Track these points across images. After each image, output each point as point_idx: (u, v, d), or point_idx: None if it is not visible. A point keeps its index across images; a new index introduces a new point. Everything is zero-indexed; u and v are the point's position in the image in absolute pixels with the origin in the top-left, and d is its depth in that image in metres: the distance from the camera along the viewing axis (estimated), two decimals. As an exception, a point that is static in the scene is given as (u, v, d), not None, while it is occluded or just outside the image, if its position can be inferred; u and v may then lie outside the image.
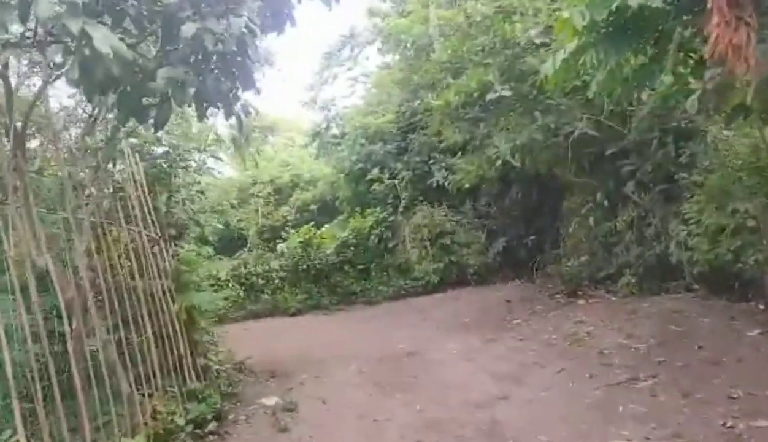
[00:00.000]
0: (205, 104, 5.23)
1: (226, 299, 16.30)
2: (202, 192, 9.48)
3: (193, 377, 7.51)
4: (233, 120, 5.47)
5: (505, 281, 16.03)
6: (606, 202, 11.67)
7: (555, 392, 7.18)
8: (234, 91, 5.41)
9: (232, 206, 36.82)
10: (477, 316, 12.25)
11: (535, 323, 10.73)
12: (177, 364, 7.29)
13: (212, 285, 16.68)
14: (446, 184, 16.56)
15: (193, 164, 8.91)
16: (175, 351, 7.22)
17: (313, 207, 34.41)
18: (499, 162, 10.47)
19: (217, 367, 8.82)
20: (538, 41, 9.98)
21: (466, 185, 13.40)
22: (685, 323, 8.66)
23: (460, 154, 13.31)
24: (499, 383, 7.77)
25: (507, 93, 10.35)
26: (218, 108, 5.46)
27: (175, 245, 8.04)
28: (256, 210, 25.25)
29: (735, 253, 8.34)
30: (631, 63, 7.07)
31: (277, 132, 44.41)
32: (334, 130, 25.80)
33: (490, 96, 10.47)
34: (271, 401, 8.21)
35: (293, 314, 15.84)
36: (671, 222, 10.09)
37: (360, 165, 18.32)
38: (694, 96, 7.04)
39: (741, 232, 8.28)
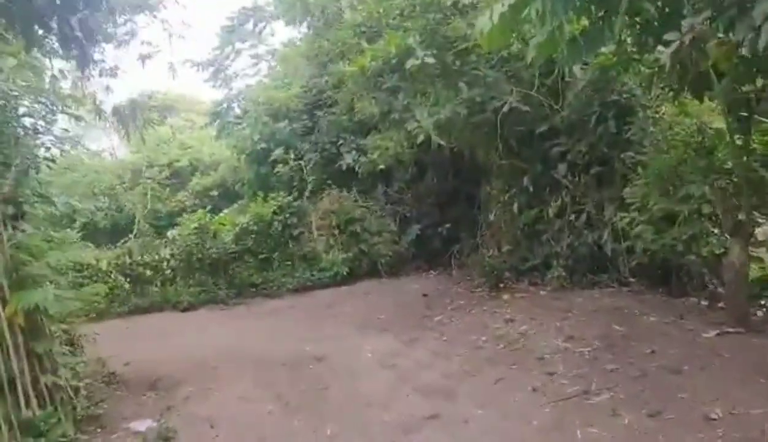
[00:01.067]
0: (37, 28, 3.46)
1: (110, 291, 14.18)
2: (53, 160, 7.46)
3: (32, 403, 5.62)
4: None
5: (419, 272, 14.74)
6: (531, 187, 10.52)
7: (494, 409, 5.84)
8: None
9: (125, 190, 34.03)
10: (393, 312, 10.84)
11: (458, 321, 9.43)
12: (8, 387, 5.39)
13: (88, 278, 14.48)
14: (356, 167, 15.08)
15: (42, 125, 6.92)
16: (3, 372, 5.31)
17: (213, 193, 32.13)
18: (420, 138, 9.05)
19: (76, 383, 6.92)
20: (466, 1, 8.61)
21: (381, 167, 11.94)
22: (628, 322, 7.60)
23: (373, 133, 11.78)
24: (426, 397, 6.35)
25: (430, 60, 8.93)
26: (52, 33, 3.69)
27: (14, 228, 6.07)
28: (145, 193, 22.70)
29: (686, 243, 7.30)
30: (574, 25, 5.93)
31: (177, 112, 41.33)
32: (237, 110, 23.74)
33: (410, 63, 9.01)
34: (142, 425, 6.48)
35: (186, 309, 13.91)
36: (607, 209, 9.04)
37: (263, 145, 16.46)
38: (646, 68, 5.94)
39: (694, 219, 7.23)
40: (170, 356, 9.58)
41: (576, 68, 9.10)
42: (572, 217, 9.74)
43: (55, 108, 6.91)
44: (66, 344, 8.36)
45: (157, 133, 37.81)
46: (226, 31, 23.78)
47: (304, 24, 15.73)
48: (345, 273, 14.61)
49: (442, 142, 9.02)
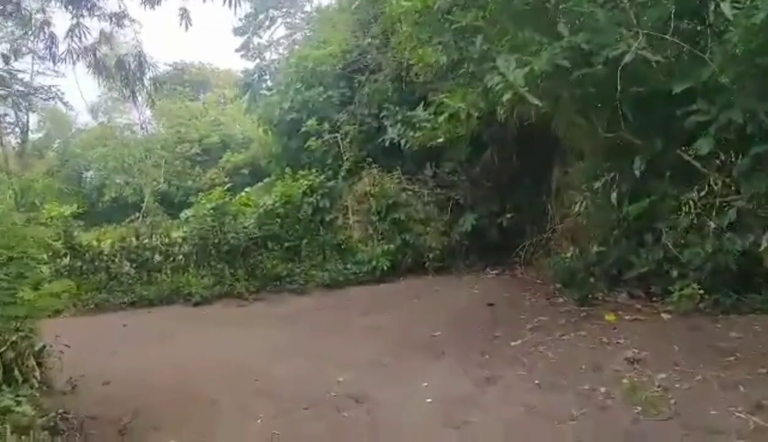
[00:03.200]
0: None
1: (111, 278, 11.70)
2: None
3: None
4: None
5: (474, 271, 11.92)
6: (642, 170, 7.55)
7: None
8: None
9: (155, 165, 31.77)
10: (451, 327, 8.06)
11: (547, 350, 6.59)
12: None
13: (89, 262, 11.99)
14: (402, 142, 12.24)
15: None
16: None
17: (244, 171, 29.80)
18: (506, 96, 6.19)
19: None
20: None
21: (440, 139, 9.03)
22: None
23: (435, 95, 8.87)
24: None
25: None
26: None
27: None
28: (156, 165, 20.18)
29: None
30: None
31: (210, 87, 38.88)
32: (269, 82, 21.09)
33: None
34: None
35: (198, 303, 11.42)
36: (772, 203, 6.08)
37: (293, 114, 13.67)
38: None
39: None
40: (161, 376, 7.07)
41: (726, 6, 6.17)
42: (712, 213, 6.77)
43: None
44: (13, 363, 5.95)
45: (188, 108, 35.70)
46: (259, -5, 21.07)
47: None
48: (385, 268, 11.91)
49: (536, 102, 6.16)
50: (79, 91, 15.12)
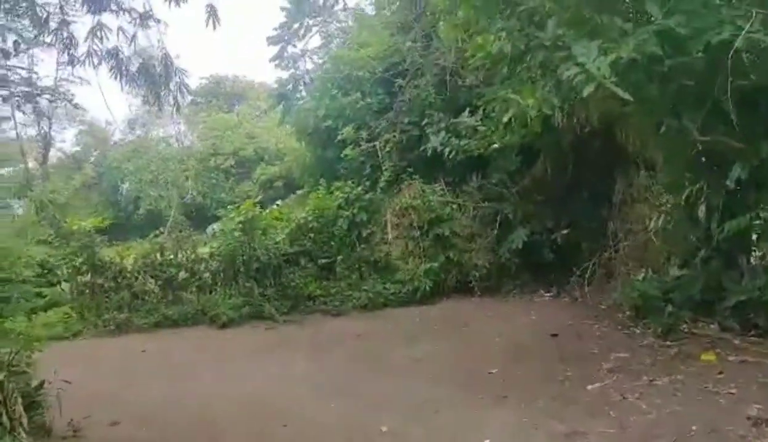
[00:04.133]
0: None
1: (134, 298, 10.71)
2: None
3: None
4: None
5: (526, 292, 10.67)
6: (740, 180, 6.24)
7: None
8: None
9: (188, 178, 31.21)
10: (509, 362, 6.82)
11: (641, 399, 5.30)
12: None
13: (112, 279, 11.06)
14: (446, 152, 11.08)
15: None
16: None
17: (278, 183, 29.18)
18: (588, 90, 4.99)
19: None
20: None
21: (495, 146, 7.84)
22: None
23: (485, 97, 7.65)
24: None
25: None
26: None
27: None
28: (185, 173, 19.34)
29: None
30: None
31: (245, 100, 38.35)
32: (303, 92, 20.11)
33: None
34: None
35: (224, 325, 10.32)
36: None
37: (328, 122, 12.63)
38: None
39: None
40: (178, 416, 6.17)
41: None
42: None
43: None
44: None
45: (223, 120, 35.19)
46: (294, 3, 20.11)
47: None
48: (427, 289, 10.70)
49: (627, 96, 4.95)
50: (103, 99, 14.31)
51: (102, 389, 6.95)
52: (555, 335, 7.55)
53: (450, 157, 11.12)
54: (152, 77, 10.41)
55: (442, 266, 10.90)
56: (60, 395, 5.40)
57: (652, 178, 9.13)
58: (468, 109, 11.21)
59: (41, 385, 5.53)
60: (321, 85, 13.89)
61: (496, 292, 10.80)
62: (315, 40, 21.19)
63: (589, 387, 5.75)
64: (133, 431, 5.80)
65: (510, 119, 6.14)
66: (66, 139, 35.90)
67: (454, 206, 11.39)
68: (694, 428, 4.52)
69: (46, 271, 10.90)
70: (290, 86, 20.92)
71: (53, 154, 36.25)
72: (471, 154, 10.81)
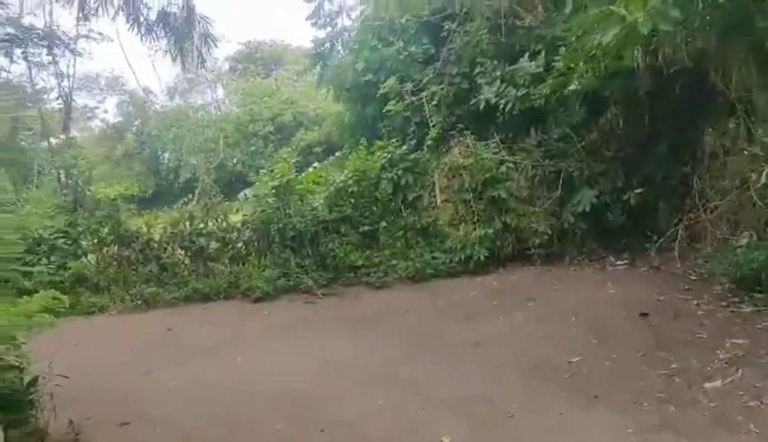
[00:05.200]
0: None
1: (161, 270, 9.72)
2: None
3: None
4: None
5: (593, 260, 9.29)
6: None
7: None
8: None
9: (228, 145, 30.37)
10: (593, 348, 5.55)
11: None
12: None
13: (139, 251, 10.13)
14: (502, 104, 9.68)
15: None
16: None
17: (317, 149, 28.01)
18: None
19: None
20: None
21: (572, 87, 6.41)
22: None
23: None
24: None
25: None
26: None
27: None
28: (225, 140, 18.26)
29: None
30: None
31: (282, 65, 37.11)
32: (341, 52, 18.74)
33: None
34: None
35: (259, 299, 9.30)
36: None
37: (368, 76, 11.32)
38: None
39: None
40: (200, 413, 5.33)
41: None
42: None
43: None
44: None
45: (261, 86, 34.10)
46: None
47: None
48: (481, 258, 9.42)
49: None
50: (126, 60, 13.33)
51: (116, 379, 6.03)
52: (645, 315, 6.19)
53: (505, 110, 9.73)
54: (173, 28, 9.31)
55: (497, 233, 9.58)
56: (59, 391, 4.46)
57: (752, 126, 7.57)
58: (527, 54, 9.77)
59: (35, 380, 4.53)
60: (360, 36, 12.52)
61: (559, 261, 9.46)
62: (354, -2, 19.76)
63: (707, 386, 4.44)
64: (144, 435, 4.80)
65: (597, 50, 4.72)
66: (108, 110, 35.70)
67: (511, 165, 9.97)
68: None
69: (70, 242, 10.06)
70: (327, 45, 19.59)
71: (95, 125, 36.15)
72: (531, 105, 9.40)
